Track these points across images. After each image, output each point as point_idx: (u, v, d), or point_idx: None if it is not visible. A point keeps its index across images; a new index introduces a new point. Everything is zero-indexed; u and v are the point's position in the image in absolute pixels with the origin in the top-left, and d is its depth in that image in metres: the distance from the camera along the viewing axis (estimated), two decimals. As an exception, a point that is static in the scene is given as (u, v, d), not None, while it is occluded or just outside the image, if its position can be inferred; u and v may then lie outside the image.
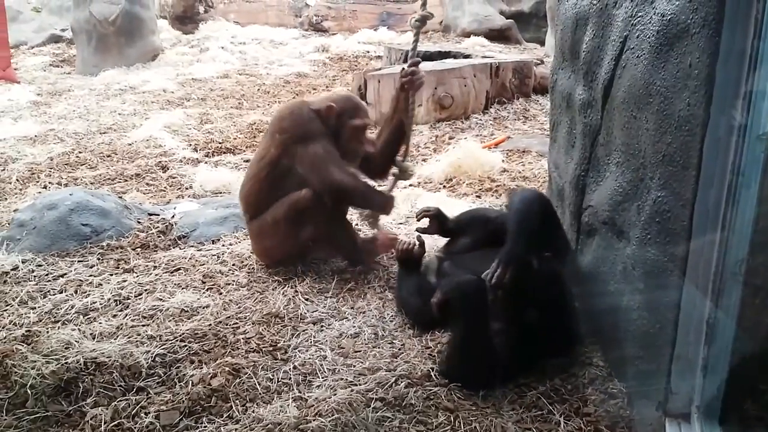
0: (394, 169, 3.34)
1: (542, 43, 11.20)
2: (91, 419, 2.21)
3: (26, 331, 2.69)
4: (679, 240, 1.86)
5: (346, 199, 3.17)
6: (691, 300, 1.83)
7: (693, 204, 1.79)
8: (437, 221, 3.12)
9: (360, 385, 2.35)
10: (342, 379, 2.39)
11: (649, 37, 1.96)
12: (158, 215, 3.98)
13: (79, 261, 3.38)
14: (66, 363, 2.44)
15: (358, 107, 3.29)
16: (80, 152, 5.52)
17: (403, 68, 3.16)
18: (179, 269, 3.31)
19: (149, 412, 2.22)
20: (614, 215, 2.26)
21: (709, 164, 1.73)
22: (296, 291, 3.07)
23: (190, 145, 5.73)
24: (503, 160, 4.94)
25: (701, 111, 1.72)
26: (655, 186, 1.95)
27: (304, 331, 2.74)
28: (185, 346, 2.61)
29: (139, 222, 3.86)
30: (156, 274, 3.23)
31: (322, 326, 2.78)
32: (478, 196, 4.30)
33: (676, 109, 1.82)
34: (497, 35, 12.04)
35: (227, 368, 2.43)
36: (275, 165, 3.17)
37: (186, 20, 12.70)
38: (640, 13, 2.05)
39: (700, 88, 1.72)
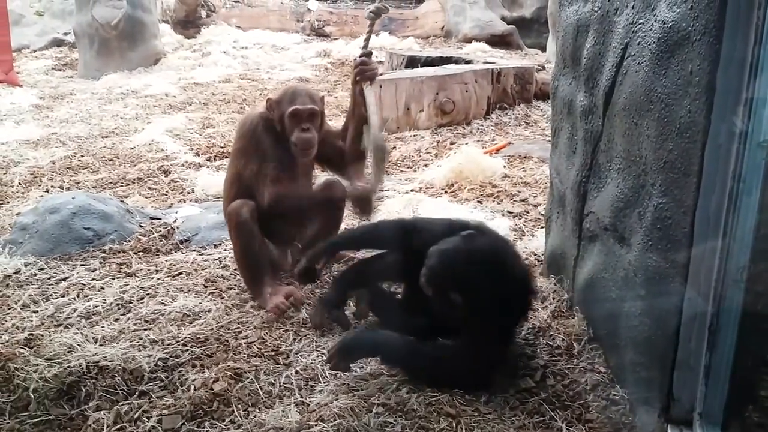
0: (365, 142, 3.12)
1: (543, 49, 11.23)
2: (93, 423, 2.21)
3: (28, 335, 2.69)
4: (680, 246, 1.86)
5: (281, 208, 3.02)
6: (692, 306, 1.84)
7: (694, 211, 1.79)
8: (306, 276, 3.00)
9: (362, 390, 2.35)
10: (344, 384, 2.40)
11: (650, 44, 1.97)
12: (160, 219, 3.99)
13: (81, 265, 3.39)
14: (68, 367, 2.44)
15: (297, 94, 3.12)
16: (82, 156, 5.53)
17: (355, 59, 3.13)
18: (181, 273, 3.31)
19: (151, 416, 2.22)
20: (615, 221, 2.27)
21: (710, 171, 1.74)
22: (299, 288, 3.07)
23: (192, 149, 5.75)
24: (504, 166, 4.94)
25: (702, 118, 1.73)
26: (656, 192, 1.96)
27: (305, 335, 2.75)
28: (187, 350, 2.61)
29: (141, 226, 3.87)
30: (158, 278, 3.23)
31: (323, 331, 2.79)
32: (480, 202, 4.31)
33: (677, 116, 1.83)
34: (499, 41, 12.07)
35: (229, 372, 2.43)
36: (238, 181, 3.16)
37: (188, 24, 12.72)
38: (641, 21, 2.06)
39: (701, 95, 1.73)
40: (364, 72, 3.07)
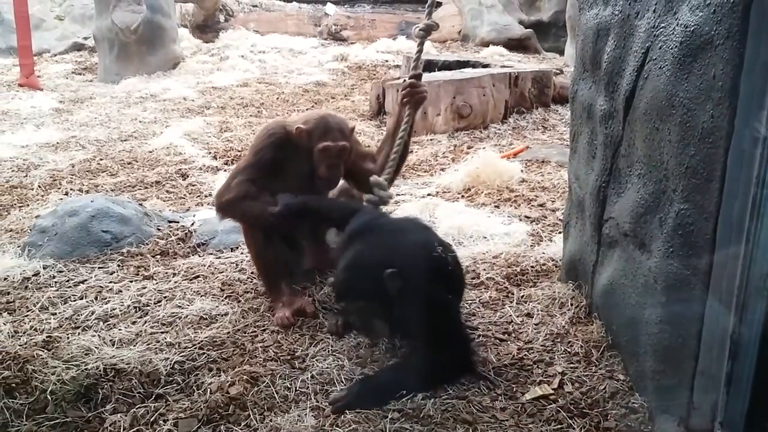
0: (368, 195, 3.07)
1: (561, 53, 11.19)
2: (110, 426, 2.22)
3: (47, 337, 2.71)
4: (702, 253, 1.83)
5: (229, 211, 3.05)
6: (714, 314, 1.81)
7: (717, 217, 1.77)
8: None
9: (377, 395, 2.34)
10: (360, 389, 2.38)
11: (672, 49, 1.95)
12: (178, 222, 4.01)
13: (99, 267, 3.41)
14: (86, 369, 2.45)
15: (329, 129, 3.00)
16: (101, 159, 5.58)
17: (404, 80, 3.06)
18: (198, 277, 3.32)
19: (168, 420, 2.23)
20: (636, 227, 2.24)
21: (732, 176, 1.71)
22: (314, 300, 3.07)
23: (210, 152, 5.78)
24: (522, 170, 4.92)
25: (725, 123, 1.71)
26: (677, 198, 1.93)
27: (321, 340, 2.74)
28: (204, 353, 2.62)
29: (158, 229, 3.89)
30: (175, 282, 3.24)
31: (339, 336, 2.78)
32: (497, 206, 4.29)
33: (699, 121, 1.81)
34: (516, 45, 12.05)
35: (245, 376, 2.43)
36: None
37: (206, 29, 12.81)
38: (662, 24, 2.04)
39: (724, 99, 1.71)
40: (413, 95, 3.03)
